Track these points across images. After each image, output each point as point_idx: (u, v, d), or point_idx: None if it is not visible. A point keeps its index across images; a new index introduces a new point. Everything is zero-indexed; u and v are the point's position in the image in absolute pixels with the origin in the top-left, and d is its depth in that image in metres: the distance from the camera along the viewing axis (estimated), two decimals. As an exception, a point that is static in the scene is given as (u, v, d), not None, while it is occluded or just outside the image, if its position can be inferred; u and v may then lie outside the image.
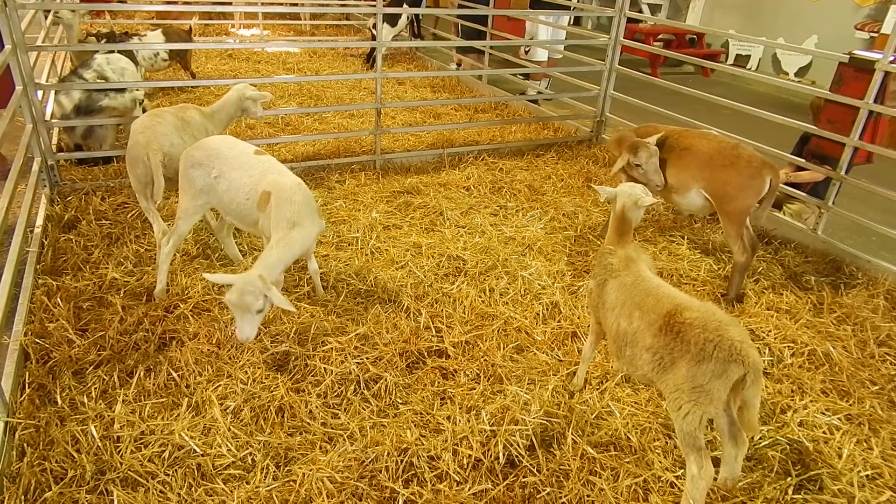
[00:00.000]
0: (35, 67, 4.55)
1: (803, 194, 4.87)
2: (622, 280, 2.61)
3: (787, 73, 11.14)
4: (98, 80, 5.17)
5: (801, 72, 11.04)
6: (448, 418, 2.82)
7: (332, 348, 3.21)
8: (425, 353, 3.26)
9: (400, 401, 2.96)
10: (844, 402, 3.09)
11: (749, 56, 11.78)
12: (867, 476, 2.68)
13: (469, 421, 2.80)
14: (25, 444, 2.57)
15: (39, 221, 4.17)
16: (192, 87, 7.56)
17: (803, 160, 4.84)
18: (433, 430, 2.79)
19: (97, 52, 5.56)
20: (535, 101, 7.89)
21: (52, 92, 5.32)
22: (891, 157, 4.26)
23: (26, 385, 2.86)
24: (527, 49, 8.60)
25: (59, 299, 3.43)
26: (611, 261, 2.70)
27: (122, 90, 5.17)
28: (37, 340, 3.12)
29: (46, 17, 7.21)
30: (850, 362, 3.37)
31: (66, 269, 3.77)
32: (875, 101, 4.25)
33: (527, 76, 8.78)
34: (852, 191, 4.78)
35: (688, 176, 3.91)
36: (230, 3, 10.49)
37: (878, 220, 4.38)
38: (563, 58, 8.41)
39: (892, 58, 4.14)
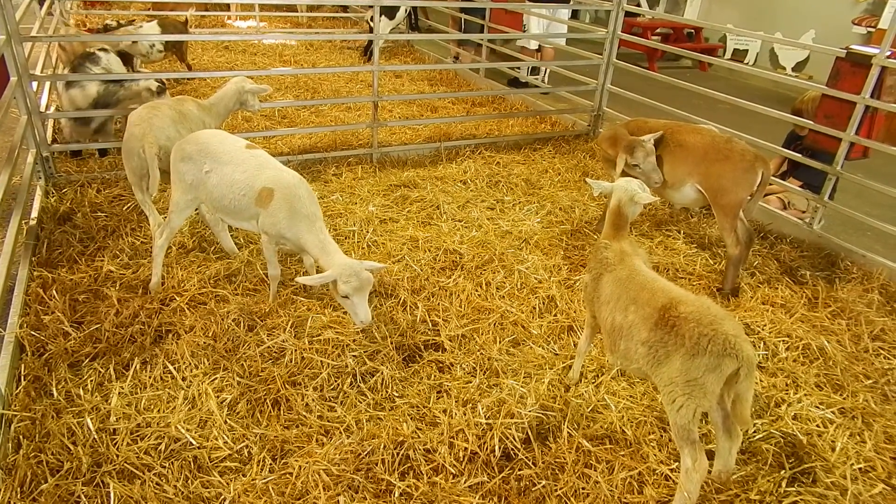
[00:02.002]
0: (29, 58, 4.51)
1: (800, 189, 4.89)
2: (617, 274, 2.61)
3: (784, 68, 11.14)
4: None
5: (799, 66, 11.04)
6: (444, 411, 2.83)
7: (328, 341, 3.21)
8: (422, 347, 3.27)
9: (396, 394, 2.97)
10: (838, 396, 3.11)
11: (747, 50, 11.77)
12: (860, 469, 2.70)
13: (465, 414, 2.81)
14: (21, 437, 2.57)
15: (35, 213, 4.15)
16: (188, 79, 7.52)
17: (799, 155, 4.86)
18: (429, 423, 2.80)
19: (99, 48, 5.52)
20: (524, 84, 7.83)
21: (62, 86, 5.12)
22: (887, 152, 4.27)
23: (22, 377, 2.85)
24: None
25: (54, 292, 3.42)
26: (606, 255, 2.70)
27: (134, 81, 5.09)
28: (32, 333, 3.11)
29: (41, 7, 7.15)
30: (844, 356, 3.39)
31: (61, 261, 3.76)
32: (871, 96, 4.26)
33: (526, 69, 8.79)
34: (848, 186, 4.79)
35: (683, 171, 3.95)
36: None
37: (874, 215, 4.40)
38: (561, 52, 8.40)
39: (888, 53, 4.15)
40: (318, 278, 2.93)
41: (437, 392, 2.99)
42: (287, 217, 3.13)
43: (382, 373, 3.03)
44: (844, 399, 3.09)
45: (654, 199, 2.91)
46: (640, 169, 3.96)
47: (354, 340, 3.23)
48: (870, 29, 9.59)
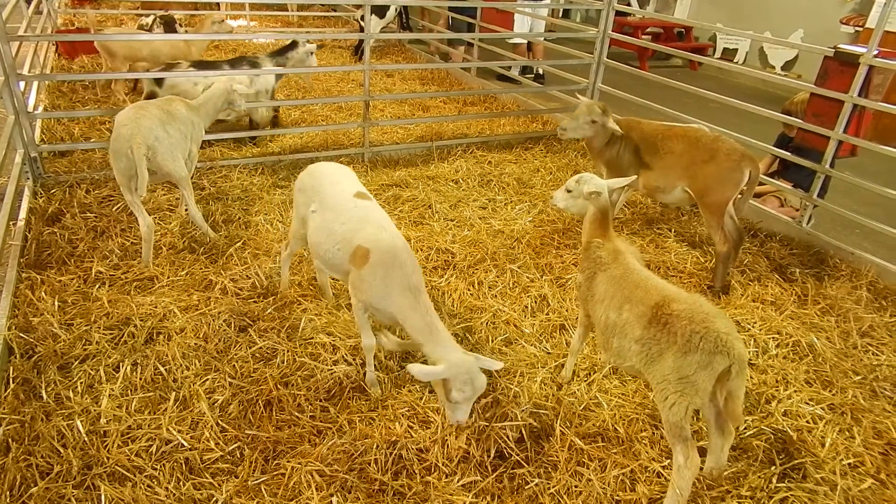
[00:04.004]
0: (17, 58, 4.47)
1: (789, 187, 4.93)
2: (612, 273, 2.62)
3: (773, 67, 11.22)
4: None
5: (788, 65, 11.12)
6: (437, 411, 2.83)
7: (322, 345, 3.20)
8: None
9: (389, 393, 2.96)
10: (828, 392, 3.13)
11: (736, 50, 11.84)
12: (849, 464, 2.72)
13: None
14: (10, 440, 2.54)
15: (23, 214, 4.11)
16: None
17: (789, 153, 4.90)
18: (422, 422, 2.79)
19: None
20: (511, 80, 7.85)
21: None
22: (874, 150, 4.31)
23: (11, 380, 2.83)
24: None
25: (43, 293, 3.39)
26: (600, 254, 2.71)
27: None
28: (21, 335, 3.08)
29: (28, 6, 7.09)
30: (833, 353, 3.42)
31: (50, 262, 3.73)
32: (859, 95, 4.29)
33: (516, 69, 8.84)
34: (836, 184, 4.83)
35: (673, 176, 4.03)
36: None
37: (862, 213, 4.43)
38: (552, 51, 8.42)
39: (876, 52, 4.18)
40: (429, 372, 2.45)
41: (430, 391, 2.99)
42: (382, 286, 2.67)
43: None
44: (834, 395, 3.11)
45: (628, 181, 2.95)
46: (598, 123, 4.18)
47: (348, 335, 3.22)
48: (857, 28, 9.67)
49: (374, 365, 3.01)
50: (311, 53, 5.90)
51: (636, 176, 3.68)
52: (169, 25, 6.80)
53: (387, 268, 2.67)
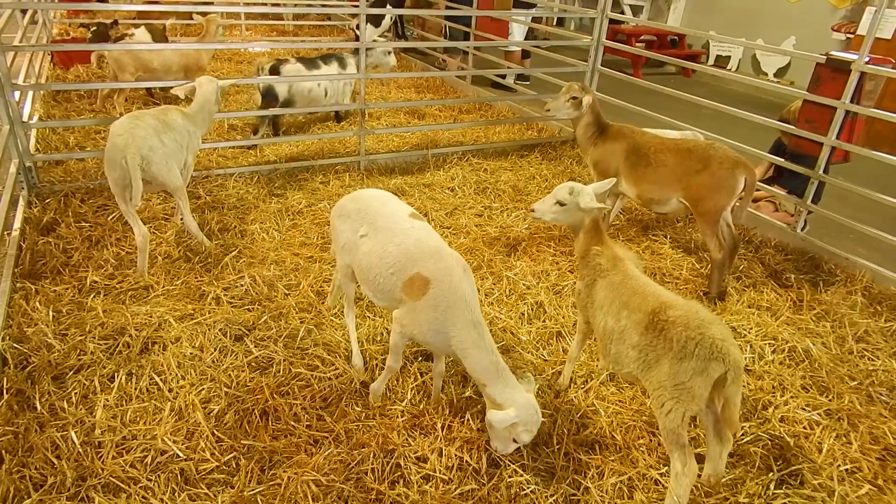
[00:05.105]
0: (12, 67, 4.47)
1: (783, 193, 4.96)
2: (611, 279, 2.63)
3: (766, 74, 11.30)
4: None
5: (780, 72, 11.20)
6: (434, 420, 2.82)
7: (319, 357, 3.19)
8: (411, 357, 3.26)
9: (386, 402, 2.95)
10: (824, 398, 3.14)
11: (729, 57, 11.93)
12: (846, 470, 2.72)
13: (456, 421, 2.80)
14: (4, 451, 2.52)
15: (17, 224, 4.10)
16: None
17: (782, 159, 4.93)
18: (420, 431, 2.78)
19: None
20: (506, 88, 7.90)
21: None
22: (867, 156, 4.34)
23: (4, 391, 2.81)
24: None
25: (37, 303, 3.37)
26: (599, 261, 2.71)
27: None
28: (15, 345, 3.06)
29: (24, 16, 7.09)
30: (829, 358, 3.42)
31: (44, 272, 3.71)
32: (851, 101, 4.33)
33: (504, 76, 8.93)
34: (830, 189, 4.86)
35: (668, 189, 4.03)
36: (212, 3, 10.36)
37: (856, 218, 4.46)
38: (547, 58, 8.48)
39: (867, 58, 4.22)
40: (504, 419, 2.38)
41: (427, 399, 2.98)
42: (441, 320, 2.50)
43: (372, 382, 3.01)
44: (830, 401, 3.12)
45: (608, 184, 2.96)
46: (577, 99, 4.40)
47: (344, 347, 3.21)
48: (849, 35, 9.75)
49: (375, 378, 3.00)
50: (389, 52, 6.46)
51: (615, 179, 3.65)
52: (102, 35, 6.70)
53: (449, 301, 2.48)
